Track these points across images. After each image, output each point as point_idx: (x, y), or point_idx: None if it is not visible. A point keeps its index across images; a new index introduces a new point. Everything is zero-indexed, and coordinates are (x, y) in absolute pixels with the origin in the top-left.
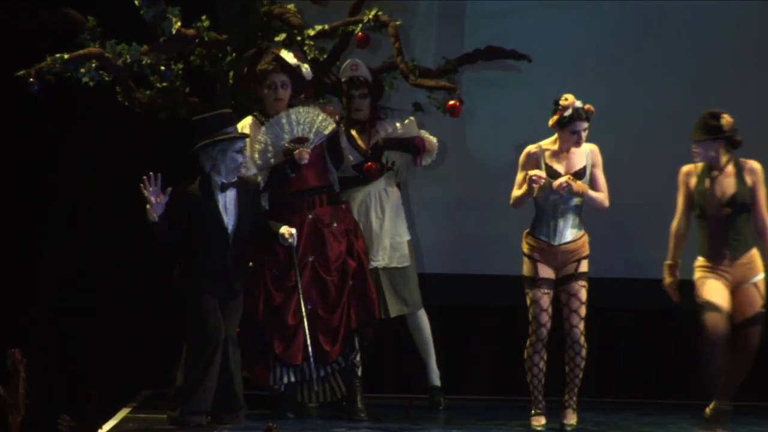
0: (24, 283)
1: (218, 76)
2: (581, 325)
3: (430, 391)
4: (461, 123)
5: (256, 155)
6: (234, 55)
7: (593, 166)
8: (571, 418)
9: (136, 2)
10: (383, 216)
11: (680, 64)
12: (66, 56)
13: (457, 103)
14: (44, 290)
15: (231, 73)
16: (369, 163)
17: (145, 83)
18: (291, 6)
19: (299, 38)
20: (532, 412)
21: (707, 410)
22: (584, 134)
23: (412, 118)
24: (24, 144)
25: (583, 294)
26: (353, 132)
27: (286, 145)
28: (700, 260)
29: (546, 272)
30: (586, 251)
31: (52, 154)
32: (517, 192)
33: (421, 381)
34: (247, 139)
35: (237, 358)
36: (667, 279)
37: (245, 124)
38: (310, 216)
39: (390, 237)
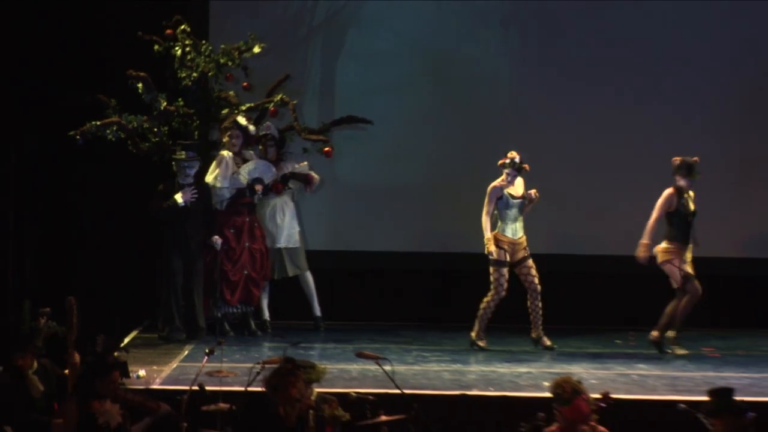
0: (68, 253)
1: (189, 135)
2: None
3: (314, 319)
4: (332, 161)
5: (225, 182)
6: (198, 122)
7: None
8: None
9: (140, 91)
10: (284, 216)
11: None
12: (98, 123)
13: (330, 149)
14: (80, 259)
15: (196, 133)
16: (278, 185)
17: (145, 139)
18: (231, 92)
19: (236, 111)
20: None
21: (656, 335)
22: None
23: (305, 163)
24: (72, 172)
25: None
26: None
27: (247, 182)
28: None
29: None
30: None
31: (88, 178)
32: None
33: (308, 313)
34: (228, 163)
35: (201, 301)
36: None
37: (225, 155)
38: (248, 219)
39: (288, 229)
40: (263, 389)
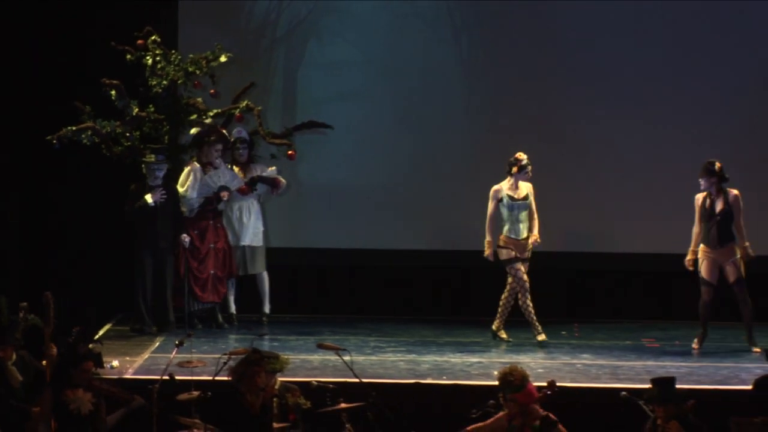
0: (46, 248)
1: (159, 139)
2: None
3: (262, 314)
4: (295, 164)
5: (194, 192)
6: (168, 127)
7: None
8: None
9: (113, 98)
10: (250, 216)
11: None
12: (74, 128)
13: (293, 153)
14: (57, 252)
15: (166, 137)
16: (244, 187)
17: (118, 143)
18: (199, 99)
19: (204, 117)
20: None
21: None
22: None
23: (274, 168)
24: (50, 173)
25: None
26: (236, 168)
27: (214, 190)
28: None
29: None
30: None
31: (66, 179)
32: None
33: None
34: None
35: (170, 296)
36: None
37: (196, 165)
38: (212, 221)
39: (252, 228)
40: (230, 379)
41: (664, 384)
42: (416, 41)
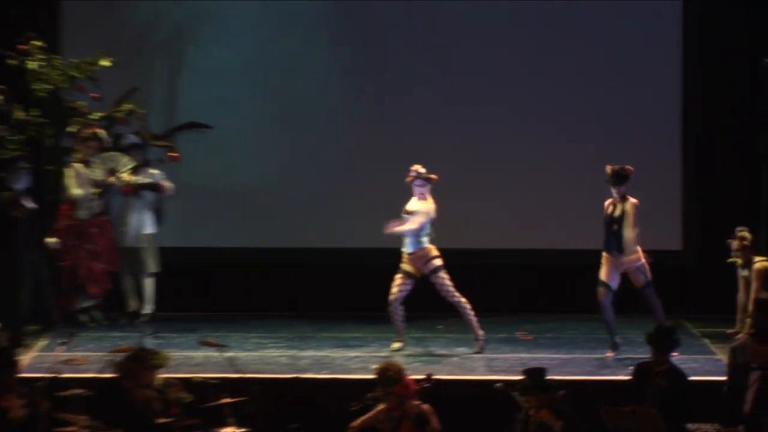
0: None
1: (42, 140)
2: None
3: (143, 315)
4: (180, 166)
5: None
6: (52, 130)
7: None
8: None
9: None
10: (135, 218)
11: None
12: None
13: (176, 155)
14: None
15: (50, 140)
16: (125, 188)
17: (3, 147)
18: (81, 102)
19: (88, 120)
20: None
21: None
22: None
23: (158, 171)
24: None
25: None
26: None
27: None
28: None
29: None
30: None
31: None
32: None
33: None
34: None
35: (55, 294)
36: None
37: (78, 167)
38: (98, 219)
39: (137, 229)
40: (114, 375)
41: (535, 374)
42: (293, 44)
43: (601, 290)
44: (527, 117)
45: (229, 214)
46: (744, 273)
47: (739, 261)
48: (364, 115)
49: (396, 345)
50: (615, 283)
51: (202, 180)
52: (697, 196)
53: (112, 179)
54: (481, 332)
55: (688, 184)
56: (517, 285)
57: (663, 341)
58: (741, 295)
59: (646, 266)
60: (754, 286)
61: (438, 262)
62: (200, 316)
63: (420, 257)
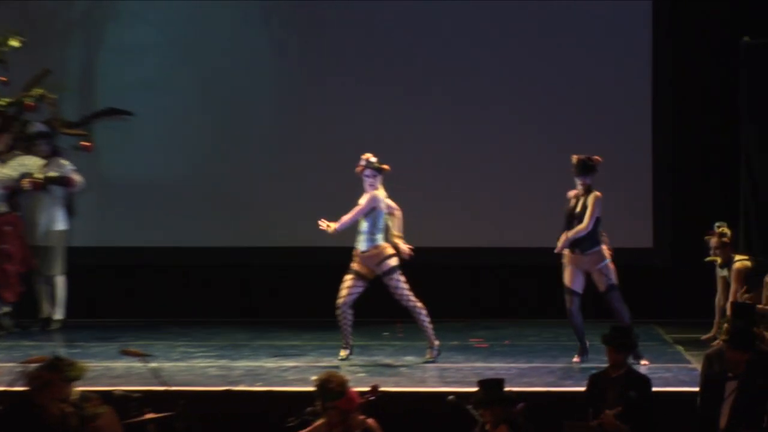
0: None
1: None
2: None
3: (53, 321)
4: (96, 156)
5: None
6: None
7: None
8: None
9: None
10: (44, 215)
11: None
12: None
13: (90, 144)
14: None
15: None
16: (35, 182)
17: None
18: None
19: None
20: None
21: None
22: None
23: (67, 163)
24: None
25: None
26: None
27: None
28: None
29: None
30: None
31: None
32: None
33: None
34: None
35: None
36: None
37: None
38: (9, 218)
39: (46, 227)
40: (25, 388)
41: (491, 386)
42: (222, 21)
43: (567, 298)
44: (482, 104)
45: (151, 210)
46: (723, 273)
47: (718, 260)
48: (303, 101)
49: (343, 353)
50: (580, 287)
51: (121, 172)
52: (669, 189)
53: (24, 182)
54: (437, 342)
55: (659, 176)
56: (471, 287)
57: (619, 341)
58: (719, 297)
59: (611, 267)
60: (733, 287)
61: (393, 262)
62: (120, 323)
63: (373, 256)
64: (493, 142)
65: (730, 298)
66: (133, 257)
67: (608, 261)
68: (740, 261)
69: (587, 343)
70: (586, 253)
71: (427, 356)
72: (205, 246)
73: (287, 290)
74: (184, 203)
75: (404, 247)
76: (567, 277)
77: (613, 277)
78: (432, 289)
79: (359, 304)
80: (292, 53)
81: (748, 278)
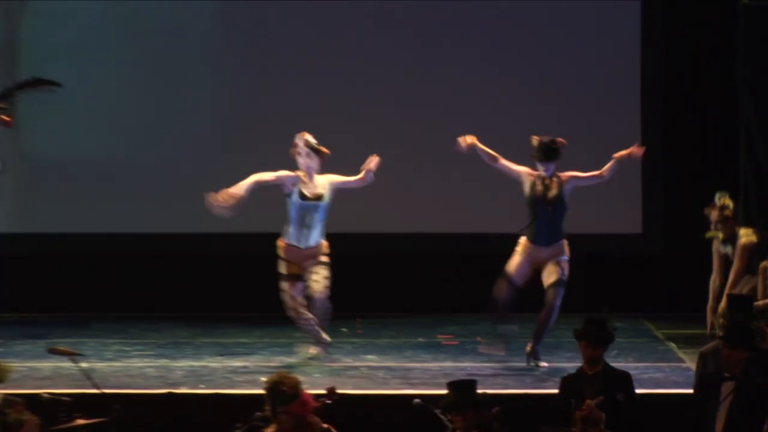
0: None
1: None
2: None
3: None
4: (17, 133)
5: None
6: None
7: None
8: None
9: None
10: None
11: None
12: None
13: (10, 120)
14: None
15: None
16: None
17: None
18: None
19: None
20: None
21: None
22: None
23: None
24: None
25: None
26: None
27: None
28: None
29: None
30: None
31: None
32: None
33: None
34: None
35: None
36: None
37: None
38: None
39: None
40: None
41: (462, 388)
42: None
43: (501, 286)
44: (447, 73)
45: (79, 193)
46: (726, 249)
47: (720, 235)
48: (247, 74)
49: (313, 351)
50: (522, 280)
51: (47, 151)
52: (659, 169)
53: None
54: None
55: (649, 154)
56: (439, 277)
57: (596, 335)
58: (714, 278)
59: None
60: (736, 265)
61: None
62: (47, 318)
63: (318, 249)
64: (462, 116)
65: (731, 278)
66: (62, 245)
67: (567, 257)
68: (746, 236)
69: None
70: (550, 244)
71: (313, 351)
72: (142, 232)
73: (234, 281)
74: (118, 185)
75: None
76: (513, 266)
77: (567, 272)
78: (396, 280)
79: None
80: (237, 16)
81: (753, 255)
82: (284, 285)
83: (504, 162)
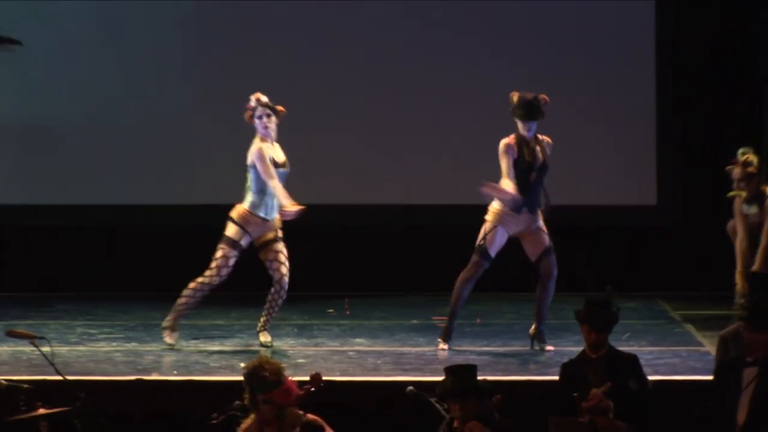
0: None
1: None
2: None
3: None
4: None
5: None
6: None
7: None
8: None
9: None
10: None
11: None
12: None
13: None
14: None
15: None
16: None
17: None
18: None
19: None
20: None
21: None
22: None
23: None
24: None
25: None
26: None
27: None
28: None
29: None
30: None
31: None
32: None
33: None
34: None
35: None
36: None
37: None
38: None
39: None
40: None
41: (460, 374)
42: None
43: (474, 260)
44: (441, 30)
45: (40, 161)
46: (750, 210)
47: (743, 194)
48: (216, 39)
49: (171, 340)
50: (496, 251)
51: (5, 115)
52: (675, 135)
53: None
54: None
55: (663, 119)
56: (434, 254)
57: (600, 317)
58: (742, 239)
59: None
60: (767, 225)
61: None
62: (5, 297)
63: (278, 222)
64: (459, 81)
65: (764, 240)
66: (19, 217)
67: (542, 223)
68: None
69: (454, 325)
70: (532, 210)
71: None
72: (105, 204)
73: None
74: (81, 153)
75: None
76: (489, 237)
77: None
78: (387, 255)
79: (296, 277)
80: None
81: None
82: (225, 249)
83: (508, 172)
